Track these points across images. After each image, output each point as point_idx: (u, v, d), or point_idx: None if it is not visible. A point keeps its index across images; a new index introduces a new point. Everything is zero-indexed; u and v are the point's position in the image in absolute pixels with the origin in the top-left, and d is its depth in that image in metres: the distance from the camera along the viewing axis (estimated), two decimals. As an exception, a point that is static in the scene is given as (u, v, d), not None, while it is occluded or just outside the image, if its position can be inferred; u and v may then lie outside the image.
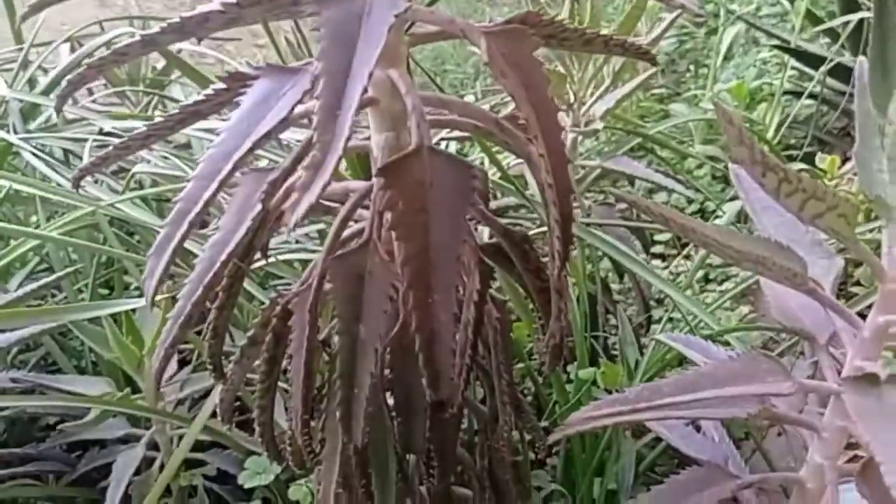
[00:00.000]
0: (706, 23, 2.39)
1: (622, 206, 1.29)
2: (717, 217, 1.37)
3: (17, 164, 1.23)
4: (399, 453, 0.61)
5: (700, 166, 1.68)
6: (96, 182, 1.12)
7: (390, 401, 0.60)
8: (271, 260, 0.85)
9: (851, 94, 0.46)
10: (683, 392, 0.48)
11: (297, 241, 0.97)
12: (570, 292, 0.93)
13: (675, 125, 1.75)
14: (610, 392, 0.89)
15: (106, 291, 1.13)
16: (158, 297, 0.79)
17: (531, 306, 0.63)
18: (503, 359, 0.61)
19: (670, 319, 1.10)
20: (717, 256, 0.58)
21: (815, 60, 1.64)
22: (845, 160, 1.30)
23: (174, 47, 1.28)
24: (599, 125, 1.04)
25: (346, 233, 0.56)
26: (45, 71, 1.42)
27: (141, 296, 0.94)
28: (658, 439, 0.90)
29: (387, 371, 0.58)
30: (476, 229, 0.67)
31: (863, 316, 0.49)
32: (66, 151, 1.23)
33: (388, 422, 0.59)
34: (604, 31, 0.57)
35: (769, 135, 1.63)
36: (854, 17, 1.50)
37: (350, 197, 0.55)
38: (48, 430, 0.99)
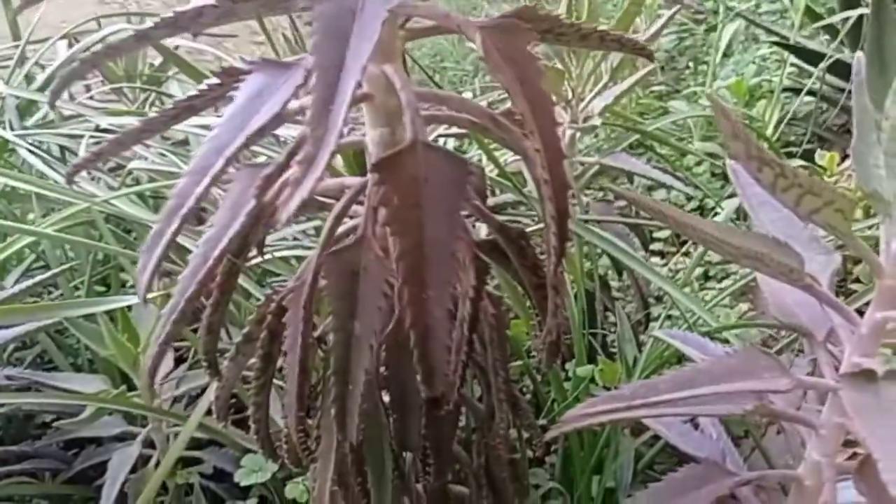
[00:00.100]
0: (706, 20, 2.38)
1: (621, 203, 1.29)
2: (716, 214, 1.37)
3: (14, 162, 1.23)
4: (395, 451, 0.61)
5: (699, 163, 1.68)
6: (93, 179, 1.12)
7: (386, 398, 0.59)
8: (268, 257, 0.85)
9: (851, 91, 0.46)
10: (680, 389, 0.48)
11: (294, 239, 0.97)
12: (568, 289, 0.93)
13: (675, 122, 1.74)
14: (608, 389, 0.88)
15: (103, 289, 1.13)
16: (154, 295, 0.79)
17: (529, 303, 0.63)
18: (499, 355, 0.61)
19: (669, 317, 1.10)
20: (714, 253, 0.57)
21: (814, 57, 1.64)
22: (844, 157, 1.30)
23: (171, 44, 1.27)
24: (597, 121, 1.04)
25: (341, 229, 0.56)
26: (43, 67, 1.41)
27: (137, 293, 0.94)
28: (657, 437, 0.89)
29: (382, 368, 0.58)
30: (473, 226, 0.67)
31: (861, 313, 0.49)
32: (62, 148, 1.22)
33: (384, 419, 0.59)
34: (601, 27, 0.56)
35: (769, 132, 1.63)
36: (853, 14, 1.49)
37: (345, 193, 0.54)
38: (44, 427, 0.99)
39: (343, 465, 0.58)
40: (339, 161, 0.84)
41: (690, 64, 2.28)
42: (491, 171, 0.92)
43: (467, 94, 1.72)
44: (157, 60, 1.58)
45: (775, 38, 1.82)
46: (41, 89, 1.28)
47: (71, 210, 0.92)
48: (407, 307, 0.45)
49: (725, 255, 0.48)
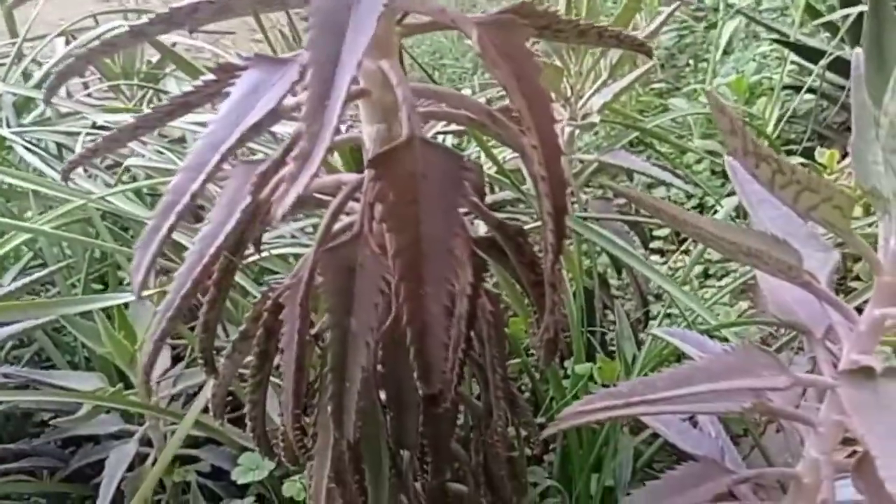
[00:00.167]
0: (706, 17, 2.38)
1: (620, 200, 1.28)
2: (716, 212, 1.37)
3: (11, 159, 1.22)
4: (392, 449, 0.60)
5: (699, 161, 1.67)
6: (90, 177, 1.12)
7: (383, 396, 0.59)
8: (265, 254, 0.85)
9: (851, 89, 0.46)
10: (678, 386, 0.47)
11: (292, 236, 0.97)
12: (567, 287, 0.93)
13: (675, 120, 1.74)
14: (607, 387, 0.88)
15: (100, 287, 1.13)
16: (151, 292, 0.79)
17: (527, 301, 0.63)
18: (497, 353, 0.61)
19: (668, 315, 1.10)
20: (713, 250, 0.57)
21: (814, 54, 1.64)
22: (844, 155, 1.30)
23: (169, 41, 1.27)
24: (596, 119, 1.03)
25: (338, 226, 0.55)
26: (40, 65, 1.41)
27: (135, 291, 0.94)
28: (656, 435, 0.89)
29: (379, 366, 0.58)
30: (472, 223, 0.67)
31: (861, 311, 0.49)
32: (59, 145, 1.22)
33: (381, 417, 0.59)
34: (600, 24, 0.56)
35: (769, 129, 1.63)
36: (853, 11, 1.49)
37: (342, 190, 0.54)
38: (42, 426, 0.99)
39: (340, 462, 0.58)
40: (337, 159, 0.84)
41: (691, 61, 2.28)
42: (489, 168, 0.92)
43: (466, 91, 1.71)
44: (155, 58, 1.57)
45: (775, 36, 1.82)
46: (38, 86, 1.28)
47: (67, 207, 0.91)
48: (404, 304, 0.45)
49: (723, 252, 0.48)
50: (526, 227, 0.61)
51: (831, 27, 1.69)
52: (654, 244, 1.55)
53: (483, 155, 0.92)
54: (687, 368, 0.49)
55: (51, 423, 0.87)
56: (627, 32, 0.57)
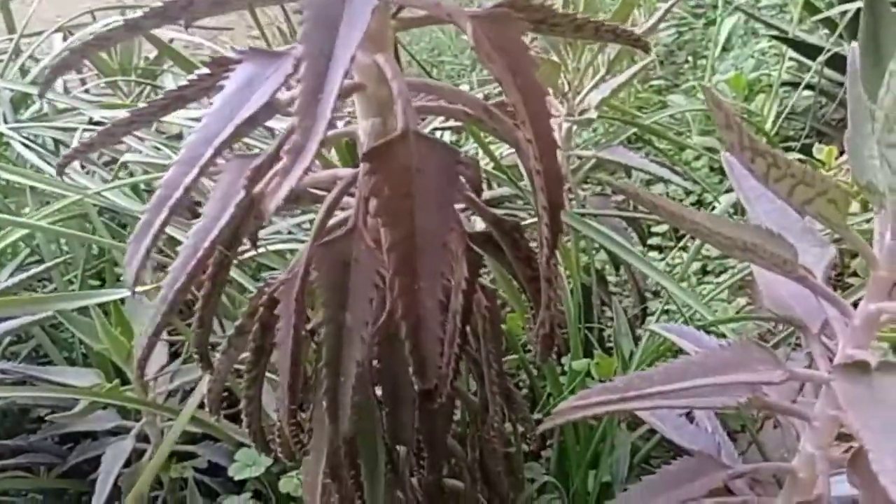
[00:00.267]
0: (705, 14, 2.38)
1: (619, 197, 1.28)
2: (714, 209, 1.36)
3: (9, 156, 1.22)
4: (388, 444, 0.60)
5: (698, 158, 1.67)
6: (88, 173, 1.11)
7: (379, 392, 0.59)
8: (262, 250, 0.85)
9: (849, 84, 0.45)
10: (673, 381, 0.47)
11: (289, 232, 0.97)
12: (564, 283, 0.93)
13: (674, 117, 1.74)
14: (604, 383, 0.88)
15: (97, 283, 1.12)
16: (147, 288, 0.79)
17: (524, 297, 0.63)
18: (493, 348, 0.61)
19: (666, 311, 1.10)
20: (709, 245, 0.57)
21: (813, 51, 1.63)
22: (843, 151, 1.29)
23: (167, 37, 1.27)
24: (594, 114, 1.03)
25: (333, 221, 0.55)
26: (37, 61, 1.41)
27: (132, 287, 0.94)
28: (653, 431, 0.89)
29: (375, 362, 0.57)
30: (469, 219, 0.66)
31: (858, 306, 0.48)
32: (56, 142, 1.22)
33: (377, 412, 0.59)
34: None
35: (767, 126, 1.62)
36: (852, 7, 1.48)
37: (337, 184, 0.54)
38: (39, 422, 0.98)
39: (336, 457, 0.58)
40: (335, 155, 0.84)
41: (689, 58, 2.27)
42: (487, 164, 0.92)
43: (464, 87, 1.71)
44: (153, 54, 1.57)
45: (774, 32, 1.81)
46: (35, 82, 1.28)
47: (64, 202, 0.91)
48: (398, 298, 0.45)
49: (719, 247, 0.48)
50: (524, 223, 0.61)
51: (830, 23, 1.69)
52: (653, 240, 1.54)
53: (481, 151, 0.92)
54: (682, 363, 0.49)
55: (48, 419, 0.87)
56: (624, 27, 0.57)
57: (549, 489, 0.91)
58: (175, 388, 0.88)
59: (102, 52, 1.45)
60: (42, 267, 0.94)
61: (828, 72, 1.63)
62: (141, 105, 0.53)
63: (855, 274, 1.17)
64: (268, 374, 0.61)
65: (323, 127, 0.38)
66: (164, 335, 0.88)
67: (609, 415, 0.79)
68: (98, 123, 1.11)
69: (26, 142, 1.08)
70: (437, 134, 0.92)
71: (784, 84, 1.72)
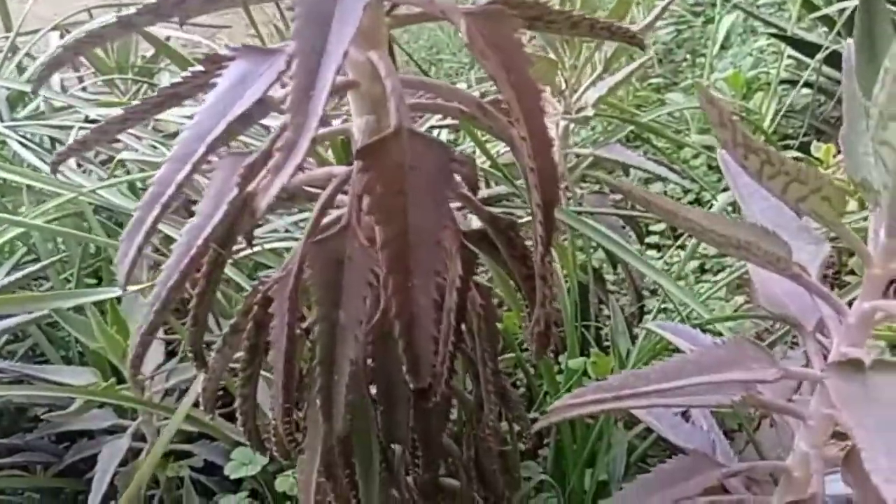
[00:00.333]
0: (703, 12, 2.37)
1: (616, 196, 1.28)
2: (711, 208, 1.36)
3: (5, 154, 1.22)
4: (383, 443, 0.60)
5: (696, 156, 1.67)
6: (84, 172, 1.11)
7: (374, 390, 0.59)
8: (257, 249, 0.85)
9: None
10: (668, 379, 0.47)
11: (286, 231, 0.97)
12: (561, 281, 0.93)
13: (672, 115, 1.73)
14: (600, 382, 0.88)
15: (94, 282, 1.12)
16: (142, 286, 0.78)
17: (520, 296, 0.62)
18: (488, 347, 0.61)
19: (663, 310, 1.10)
20: (705, 243, 0.57)
21: (812, 49, 1.63)
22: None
23: (163, 35, 1.27)
24: (591, 112, 1.03)
25: (328, 219, 0.55)
26: (34, 59, 1.41)
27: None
28: (650, 430, 0.89)
29: (369, 360, 0.57)
30: (465, 217, 0.66)
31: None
32: (52, 140, 1.22)
33: (371, 411, 0.58)
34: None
35: (766, 124, 1.62)
36: (850, 4, 1.48)
37: (332, 182, 0.54)
38: (36, 421, 0.98)
39: (330, 456, 0.58)
40: (330, 154, 0.84)
41: (688, 56, 2.27)
42: (484, 162, 0.92)
43: (461, 86, 1.71)
44: (150, 52, 1.57)
45: (773, 30, 1.81)
46: (32, 81, 1.27)
47: (59, 200, 0.91)
48: (392, 296, 0.45)
49: (714, 245, 0.48)
50: (520, 221, 0.61)
51: (829, 21, 1.69)
52: (650, 239, 1.54)
53: (477, 149, 0.92)
54: (677, 361, 0.49)
55: (44, 417, 0.87)
56: (620, 24, 0.57)
57: (546, 488, 0.91)
58: (171, 386, 0.88)
59: (99, 51, 1.45)
60: (38, 265, 0.94)
61: (826, 69, 1.63)
62: (135, 103, 0.53)
63: (852, 272, 1.17)
64: (263, 372, 0.61)
65: (314, 123, 0.37)
66: (161, 334, 0.88)
67: (605, 413, 0.79)
68: (94, 122, 1.11)
69: (23, 140, 1.08)
70: (434, 132, 0.92)
71: (783, 82, 1.72)
